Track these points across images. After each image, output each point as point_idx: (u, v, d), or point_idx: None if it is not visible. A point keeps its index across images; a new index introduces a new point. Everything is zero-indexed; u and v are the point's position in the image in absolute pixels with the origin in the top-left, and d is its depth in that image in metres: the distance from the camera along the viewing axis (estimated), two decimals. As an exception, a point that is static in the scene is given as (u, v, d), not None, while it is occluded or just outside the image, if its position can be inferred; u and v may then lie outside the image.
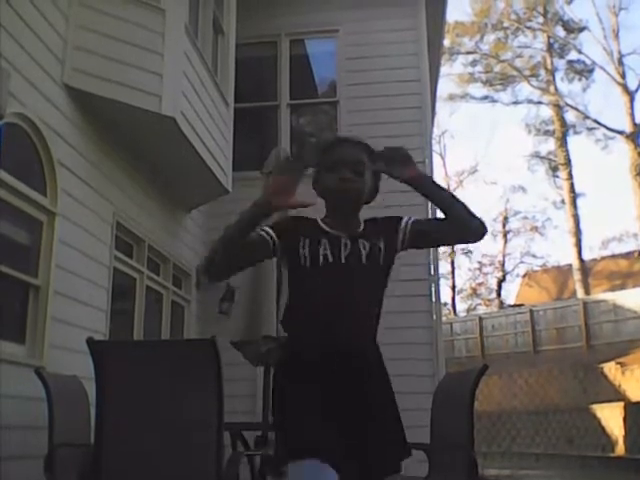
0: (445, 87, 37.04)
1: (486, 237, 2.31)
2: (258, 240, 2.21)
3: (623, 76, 29.53)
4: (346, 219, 2.30)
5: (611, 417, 14.47)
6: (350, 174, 2.24)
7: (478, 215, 2.25)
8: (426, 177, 2.46)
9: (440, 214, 2.32)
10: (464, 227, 2.26)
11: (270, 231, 2.22)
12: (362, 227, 2.31)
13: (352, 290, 2.18)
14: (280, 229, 2.24)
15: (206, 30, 6.97)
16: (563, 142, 31.72)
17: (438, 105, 15.39)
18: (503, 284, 34.65)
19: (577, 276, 29.08)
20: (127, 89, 5.39)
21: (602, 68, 30.97)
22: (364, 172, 2.28)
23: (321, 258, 2.18)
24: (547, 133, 33.78)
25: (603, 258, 32.32)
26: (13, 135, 4.50)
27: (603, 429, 14.71)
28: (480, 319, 24.48)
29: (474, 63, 33.63)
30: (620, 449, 13.98)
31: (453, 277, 34.65)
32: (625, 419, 13.97)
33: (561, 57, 32.68)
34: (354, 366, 2.13)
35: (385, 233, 2.28)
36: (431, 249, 7.89)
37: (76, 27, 5.23)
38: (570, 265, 30.76)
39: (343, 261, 2.19)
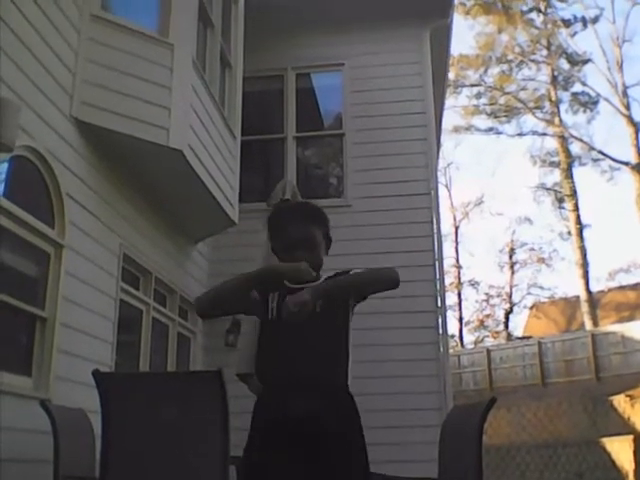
0: (450, 119, 37.07)
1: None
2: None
3: (628, 107, 29.69)
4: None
5: (621, 450, 14.29)
6: (304, 254, 2.29)
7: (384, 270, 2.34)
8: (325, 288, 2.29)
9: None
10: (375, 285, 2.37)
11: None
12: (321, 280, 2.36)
13: (307, 339, 2.23)
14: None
15: (214, 64, 7.06)
16: (569, 173, 31.79)
17: (443, 137, 15.50)
18: (510, 316, 34.55)
19: (585, 308, 28.92)
20: (135, 122, 5.45)
21: (606, 100, 31.17)
22: (317, 246, 2.35)
23: (269, 313, 2.28)
24: (552, 164, 33.87)
25: (611, 290, 32.16)
26: (22, 168, 4.55)
27: (613, 462, 14.51)
28: (488, 351, 24.31)
29: (479, 95, 33.89)
30: (631, 483, 13.78)
31: (460, 309, 34.57)
32: (635, 452, 13.79)
33: (565, 89, 32.89)
34: (307, 432, 2.16)
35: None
36: (436, 281, 7.90)
37: (85, 61, 5.29)
38: (578, 297, 30.60)
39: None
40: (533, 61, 32.78)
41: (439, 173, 16.77)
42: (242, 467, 2.25)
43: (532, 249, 34.73)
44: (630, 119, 29.38)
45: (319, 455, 2.13)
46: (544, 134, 34.01)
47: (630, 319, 25.56)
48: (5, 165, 4.37)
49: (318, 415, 2.16)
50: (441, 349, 7.72)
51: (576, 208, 30.94)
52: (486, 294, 34.46)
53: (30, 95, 4.56)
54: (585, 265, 29.59)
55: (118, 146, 5.58)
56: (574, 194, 31.21)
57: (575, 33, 32.18)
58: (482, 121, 34.84)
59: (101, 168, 5.62)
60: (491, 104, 33.93)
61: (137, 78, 5.52)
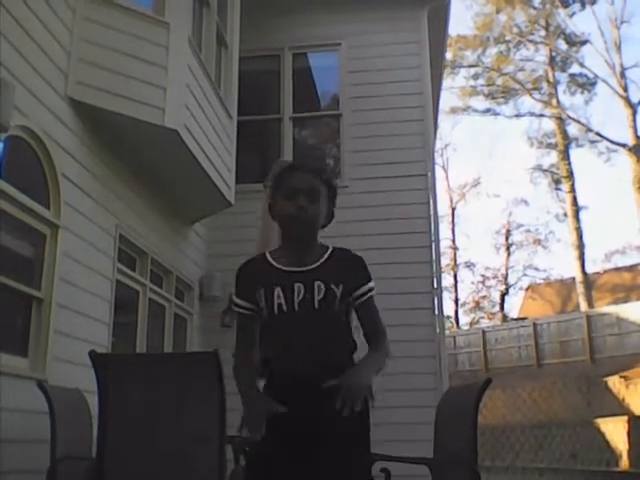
0: (447, 100, 37.03)
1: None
2: (251, 326, 2.30)
3: (625, 89, 29.63)
4: (302, 249, 2.29)
5: (615, 431, 14.38)
6: (305, 202, 2.24)
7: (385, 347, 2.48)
8: (363, 377, 2.14)
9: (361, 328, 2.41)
10: None
11: (241, 303, 2.29)
12: (324, 259, 2.28)
13: (308, 339, 2.18)
14: (244, 295, 2.29)
15: (210, 43, 7.00)
16: (565, 155, 31.77)
17: (440, 118, 15.48)
18: (506, 297, 34.66)
19: (580, 289, 29.03)
20: (131, 102, 5.41)
21: (604, 81, 31.09)
22: (319, 199, 2.28)
23: (276, 308, 2.19)
24: (549, 146, 33.83)
25: (606, 271, 32.25)
26: (17, 148, 4.52)
27: (607, 443, 14.61)
28: (483, 332, 24.41)
29: (476, 76, 33.76)
30: (624, 463, 13.88)
31: (456, 290, 34.64)
32: (629, 433, 13.88)
33: (563, 70, 32.81)
34: (306, 431, 2.12)
35: (347, 280, 2.24)
36: (433, 263, 7.90)
37: (80, 40, 5.25)
38: (573, 278, 30.70)
39: (296, 308, 2.18)
40: (531, 42, 32.66)
41: (436, 154, 16.74)
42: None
43: (528, 231, 34.79)
44: (628, 101, 29.31)
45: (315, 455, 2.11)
46: (541, 115, 34.00)
47: (625, 301, 25.66)
48: (0, 145, 4.34)
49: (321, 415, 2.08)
50: (437, 330, 7.74)
51: (572, 190, 30.96)
52: (482, 275, 34.58)
53: (25, 74, 4.51)
54: (581, 247, 29.67)
55: (114, 126, 5.54)
56: (571, 176, 31.21)
57: (573, 14, 32.07)
58: (479, 102, 34.81)
59: (96, 148, 5.59)
60: (489, 85, 33.81)
61: (132, 57, 5.48)
